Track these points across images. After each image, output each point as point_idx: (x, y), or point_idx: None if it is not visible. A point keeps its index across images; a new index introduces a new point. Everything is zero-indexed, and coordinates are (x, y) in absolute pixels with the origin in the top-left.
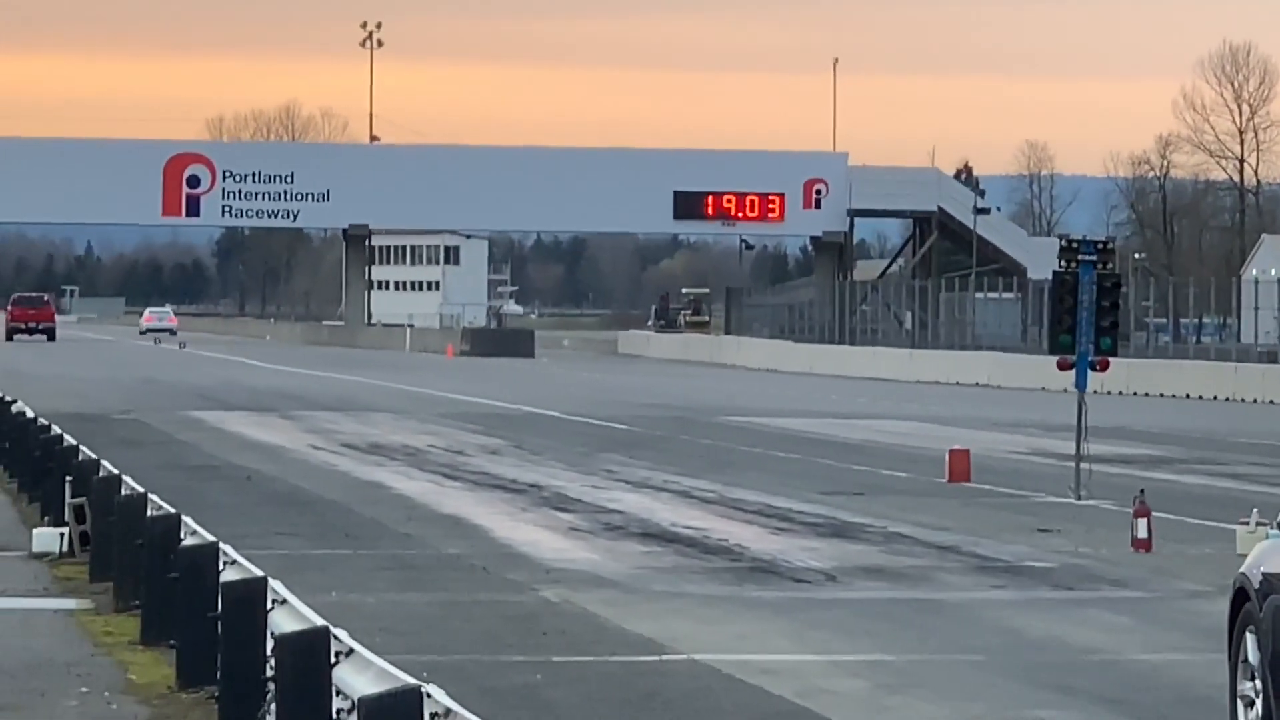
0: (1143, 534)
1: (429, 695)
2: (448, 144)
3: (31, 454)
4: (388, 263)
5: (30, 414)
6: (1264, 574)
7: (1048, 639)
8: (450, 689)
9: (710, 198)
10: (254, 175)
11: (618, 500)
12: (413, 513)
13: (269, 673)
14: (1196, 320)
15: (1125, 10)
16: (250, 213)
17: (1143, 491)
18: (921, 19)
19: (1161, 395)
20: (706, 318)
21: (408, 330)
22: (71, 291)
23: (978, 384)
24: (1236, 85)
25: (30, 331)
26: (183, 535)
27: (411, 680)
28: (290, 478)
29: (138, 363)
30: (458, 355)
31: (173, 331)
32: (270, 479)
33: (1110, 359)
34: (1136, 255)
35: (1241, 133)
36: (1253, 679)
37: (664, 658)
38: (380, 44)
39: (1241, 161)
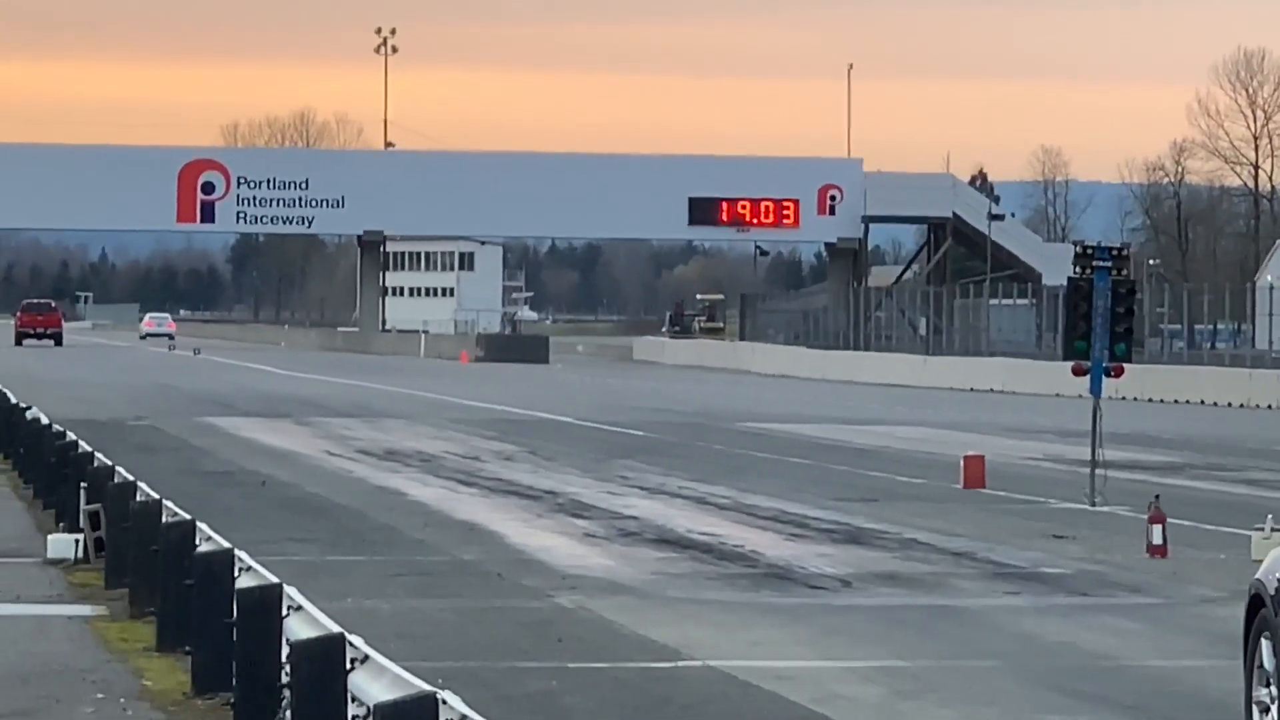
0: (1158, 540)
1: (444, 702)
2: (462, 150)
3: (46, 460)
4: (402, 269)
5: (45, 420)
6: (1279, 580)
7: (1062, 645)
8: (466, 695)
9: (725, 204)
10: (269, 182)
11: (633, 506)
12: (428, 519)
13: (284, 679)
14: (1211, 326)
15: (1140, 16)
16: (265, 219)
17: (1158, 497)
18: (936, 25)
19: (1176, 401)
20: (721, 324)
21: (422, 336)
22: (86, 298)
23: (992, 390)
24: (1251, 91)
25: (39, 336)
26: (198, 541)
27: (427, 687)
28: (305, 484)
29: (152, 368)
30: (472, 361)
31: (171, 336)
32: (285, 485)
33: (1125, 365)
34: (1151, 261)
35: (1256, 138)
36: (1268, 685)
37: (679, 664)
38: (395, 50)
39: (1256, 167)
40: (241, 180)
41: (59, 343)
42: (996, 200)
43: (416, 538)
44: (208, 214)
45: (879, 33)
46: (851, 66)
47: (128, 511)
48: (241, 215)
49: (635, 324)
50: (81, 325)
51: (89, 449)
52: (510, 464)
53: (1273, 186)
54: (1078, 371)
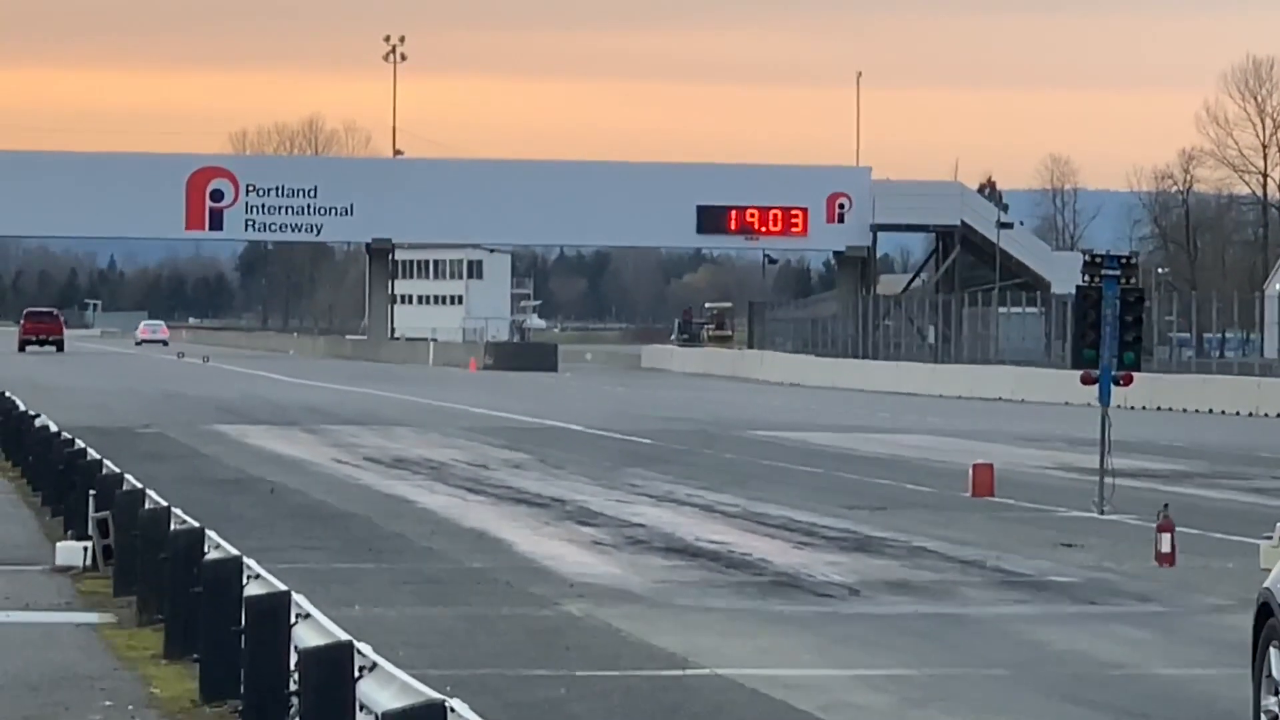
0: (1166, 548)
1: (453, 710)
2: (471, 158)
3: (55, 468)
4: (411, 277)
5: (53, 428)
6: None
7: (1071, 653)
8: (474, 703)
9: (733, 212)
10: (277, 189)
11: (641, 514)
12: (436, 526)
13: (292, 687)
14: (1220, 335)
15: (1148, 24)
16: (273, 227)
17: (1166, 506)
18: (945, 33)
19: (1185, 410)
20: (729, 332)
21: (431, 344)
22: (94, 305)
23: (1000, 398)
24: (1260, 99)
25: (41, 343)
26: (206, 549)
27: (435, 695)
28: (313, 492)
29: (160, 376)
30: (481, 369)
31: (165, 343)
32: (293, 493)
33: (1133, 374)
34: (1159, 270)
35: (1265, 147)
36: (1277, 694)
37: (688, 672)
38: (403, 58)
39: (1265, 176)
40: (250, 188)
41: (60, 349)
42: (1005, 208)
43: (424, 545)
44: (216, 222)
45: (887, 41)
46: (860, 74)
47: (136, 519)
48: (250, 223)
49: (644, 332)
50: (90, 333)
51: (97, 457)
52: (518, 472)
53: None
54: (1086, 380)
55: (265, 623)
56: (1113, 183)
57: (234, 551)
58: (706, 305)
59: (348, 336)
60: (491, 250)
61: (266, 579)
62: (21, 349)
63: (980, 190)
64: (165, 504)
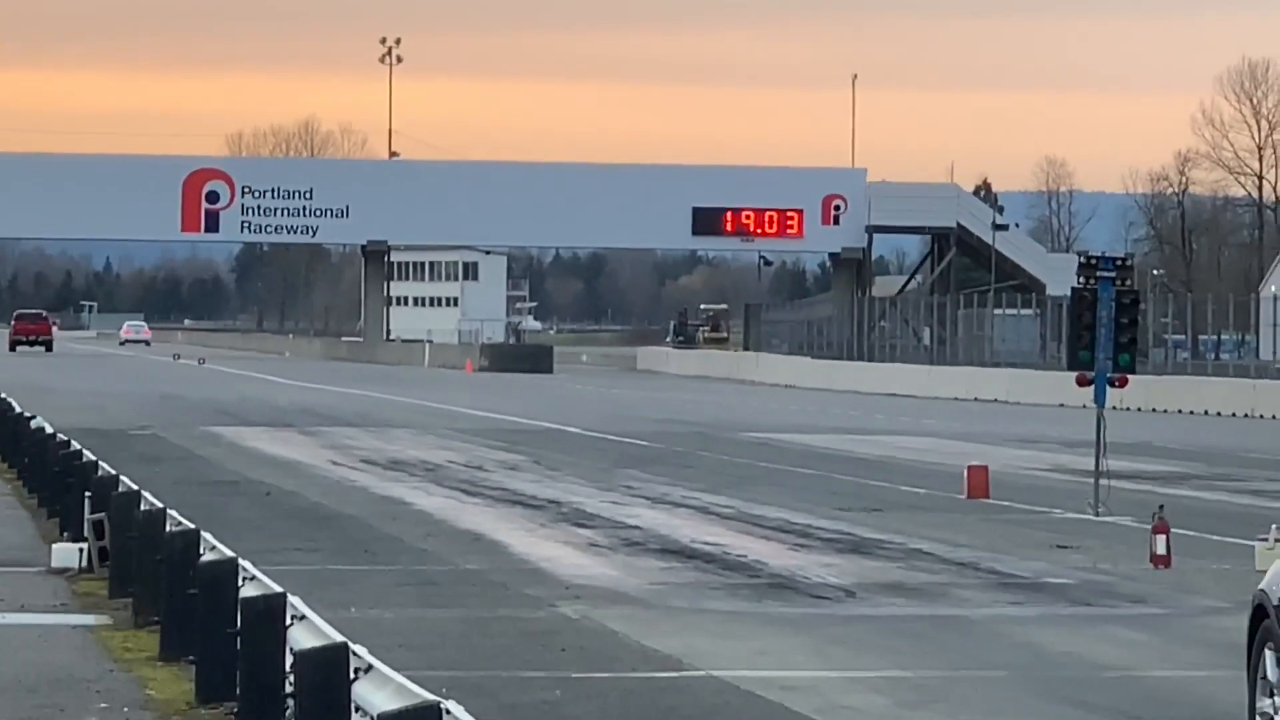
0: (1161, 550)
1: (448, 712)
2: (466, 160)
3: (51, 469)
4: (407, 278)
5: (49, 429)
6: None
7: (1066, 655)
8: (469, 705)
9: (729, 214)
10: (273, 191)
11: (637, 516)
12: (432, 528)
13: (288, 688)
14: (1215, 337)
15: (1144, 27)
16: (269, 229)
17: (1162, 507)
18: (941, 35)
19: (1180, 411)
20: (725, 334)
21: (426, 346)
22: (90, 307)
23: (996, 400)
24: (1255, 101)
25: (30, 343)
26: (202, 551)
27: (431, 696)
28: (309, 493)
29: (156, 378)
30: (476, 371)
31: (147, 343)
32: (289, 494)
33: (1129, 375)
34: (1155, 272)
35: (1260, 149)
36: (1272, 695)
37: (683, 674)
38: (399, 60)
39: (1260, 178)
40: (246, 190)
41: (49, 349)
42: (1000, 210)
43: (420, 547)
44: (212, 223)
45: (883, 43)
46: (856, 76)
47: (132, 521)
48: (246, 225)
49: (639, 334)
50: (86, 334)
51: (93, 458)
52: (514, 473)
53: (1277, 197)
54: (1081, 382)
55: (261, 624)
56: (1108, 185)
57: (230, 553)
58: (702, 307)
59: (343, 338)
60: (487, 252)
61: (262, 581)
62: (12, 349)
63: (976, 192)
64: (161, 506)
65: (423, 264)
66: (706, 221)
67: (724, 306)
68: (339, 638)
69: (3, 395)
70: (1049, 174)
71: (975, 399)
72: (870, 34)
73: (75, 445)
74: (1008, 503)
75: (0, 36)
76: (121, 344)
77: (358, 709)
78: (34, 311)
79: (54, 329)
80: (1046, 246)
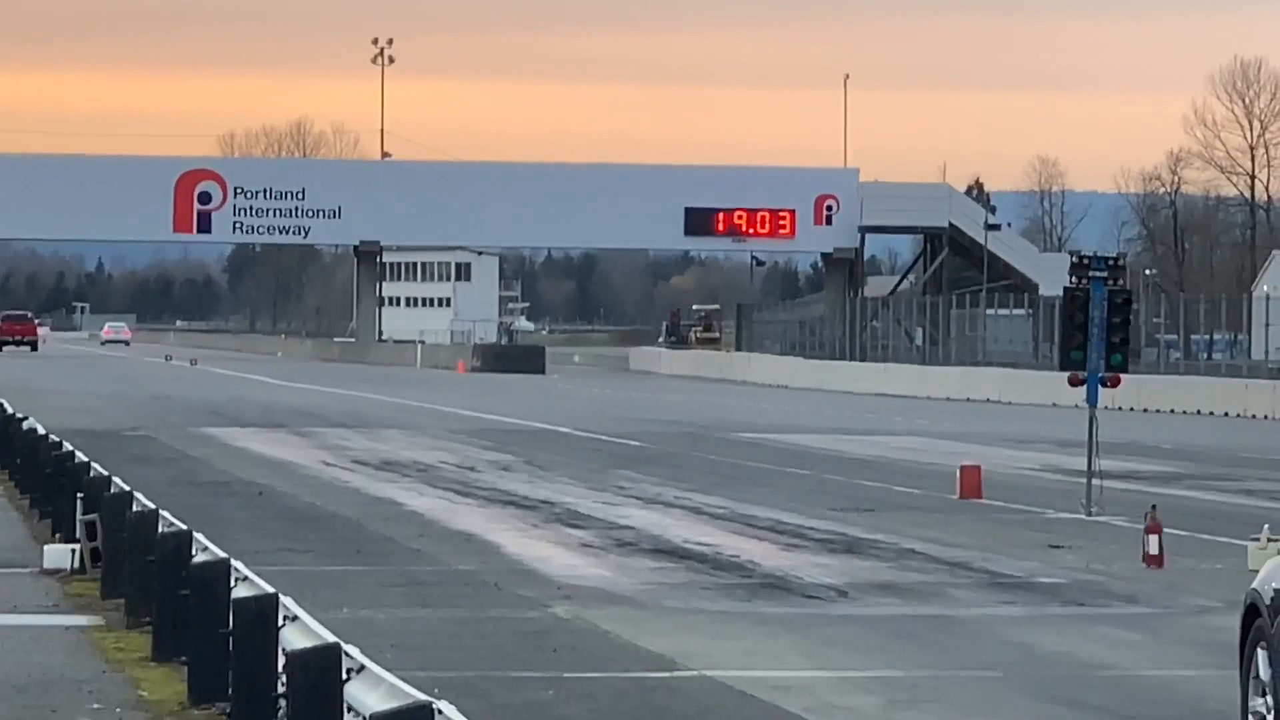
0: (1154, 550)
1: (440, 712)
2: (459, 160)
3: (43, 471)
4: (399, 279)
5: (41, 430)
6: (1275, 590)
7: (1059, 655)
8: (462, 706)
9: (721, 214)
10: (265, 192)
11: (629, 516)
12: (424, 529)
13: (280, 689)
14: (1207, 336)
15: (1136, 26)
16: (261, 229)
17: (1154, 507)
18: (932, 35)
19: (1172, 411)
20: (717, 334)
21: (419, 346)
22: (82, 308)
23: (989, 400)
24: (1247, 101)
25: (16, 343)
26: (194, 552)
27: (423, 697)
28: (301, 494)
29: (148, 379)
30: (469, 371)
31: (127, 342)
32: (281, 495)
33: (1121, 375)
34: (1147, 271)
35: (1252, 148)
36: (1264, 695)
37: (675, 674)
38: (391, 60)
39: (1253, 177)
40: (238, 190)
41: (34, 348)
42: (993, 210)
43: (413, 548)
44: (204, 224)
45: (875, 43)
46: (848, 76)
47: (124, 522)
48: (238, 225)
49: (632, 334)
50: (78, 335)
51: (85, 459)
52: (507, 474)
53: (1269, 196)
54: (1074, 381)
55: (253, 625)
56: (1100, 184)
57: (222, 554)
58: (694, 307)
59: (336, 339)
60: (479, 252)
61: (254, 581)
62: None
63: (968, 192)
64: (153, 506)
65: (415, 264)
66: (699, 222)
67: (716, 307)
68: (331, 638)
69: None
70: (1041, 174)
71: (968, 399)
72: (862, 34)
73: (67, 446)
74: (1000, 503)
75: None
76: (103, 344)
77: (350, 710)
78: (19, 312)
79: (39, 329)
80: (1039, 246)
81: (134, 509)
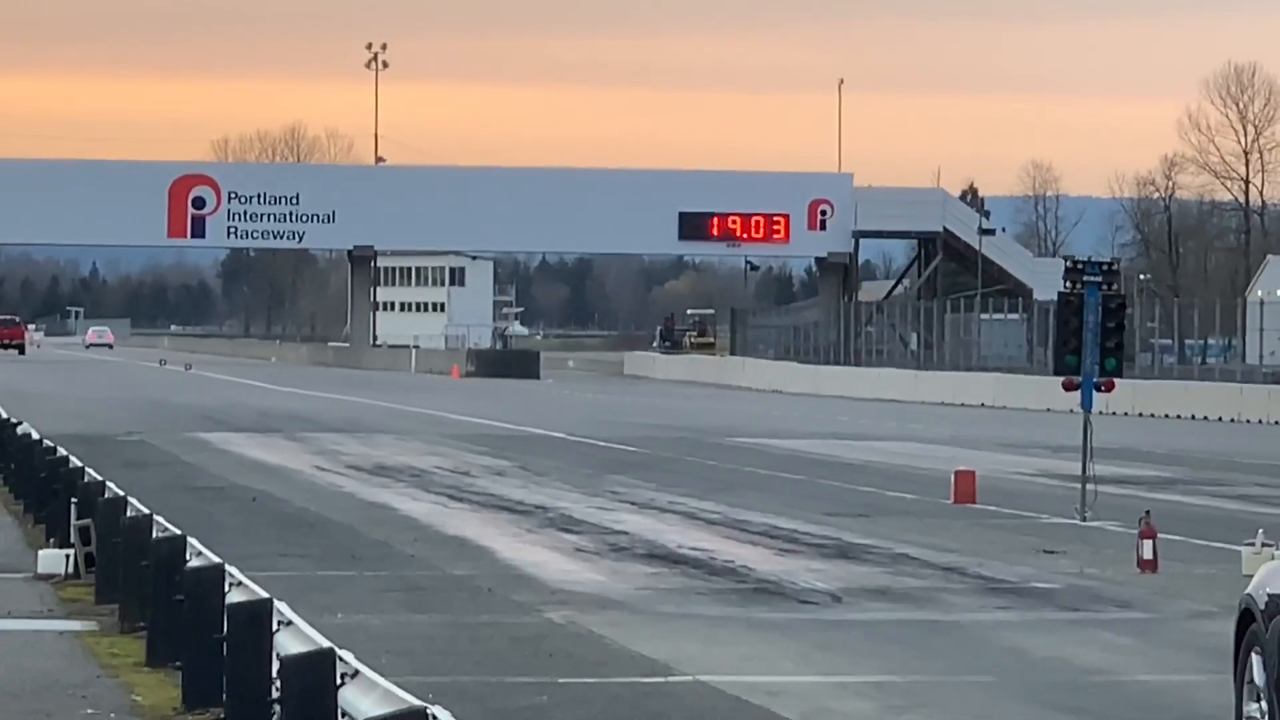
0: (1148, 555)
1: (434, 717)
2: (453, 165)
3: (37, 475)
4: (393, 284)
5: (35, 435)
6: (1269, 595)
7: (1053, 660)
8: (456, 710)
9: (715, 219)
10: (259, 196)
11: (623, 521)
12: (418, 534)
13: (275, 694)
14: (1202, 341)
15: (1130, 31)
16: (255, 234)
17: (1148, 512)
18: (927, 40)
19: (1167, 416)
20: (712, 339)
21: (413, 351)
22: (77, 313)
23: (983, 405)
24: (1241, 106)
25: (4, 347)
26: (188, 557)
27: (417, 702)
28: (296, 499)
29: (143, 384)
30: (463, 376)
31: (110, 346)
32: (276, 500)
33: (1115, 380)
34: (1141, 276)
35: (1246, 153)
36: (1258, 700)
37: (670, 679)
38: (385, 65)
39: (1247, 182)
40: (232, 195)
41: (21, 351)
42: (987, 215)
43: (407, 553)
44: (198, 229)
45: (870, 48)
46: (842, 81)
47: (118, 527)
48: (232, 230)
49: (626, 339)
50: (73, 340)
51: (79, 464)
52: (501, 479)
53: (1263, 201)
54: (1068, 386)
55: (247, 630)
56: (1095, 189)
57: (216, 559)
58: (689, 312)
59: (330, 344)
60: (474, 257)
61: (248, 586)
62: None
63: (962, 197)
64: (147, 511)
65: (409, 269)
66: (693, 226)
67: (711, 311)
68: (325, 643)
69: None
70: (1035, 178)
71: (962, 404)
72: (857, 39)
73: (61, 451)
74: (995, 508)
75: None
76: (86, 347)
77: (344, 715)
78: (7, 316)
79: (34, 334)
80: (1033, 251)
81: (128, 514)
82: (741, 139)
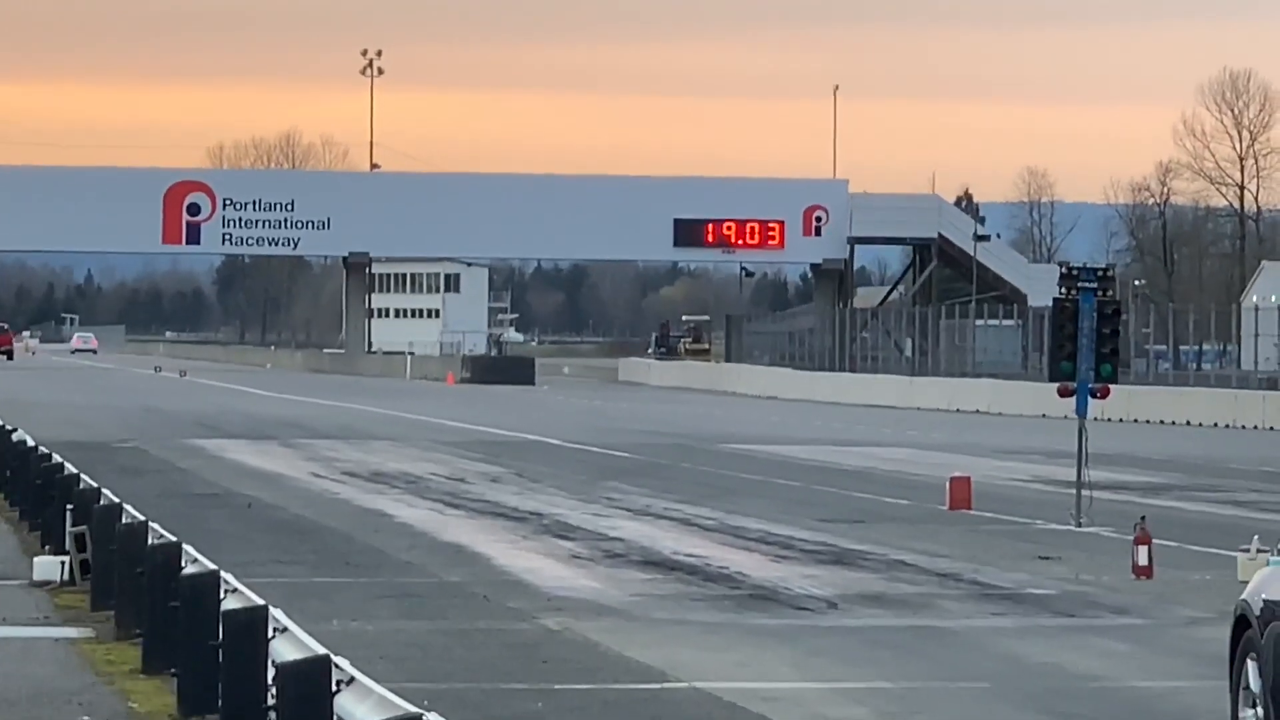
0: (1143, 561)
1: None
2: (448, 172)
3: (32, 482)
4: (388, 290)
5: (31, 442)
6: (1265, 601)
7: (1048, 666)
8: (451, 717)
9: (710, 225)
10: (254, 203)
11: (618, 528)
12: (414, 540)
13: (270, 701)
14: (1197, 347)
15: (1126, 37)
16: (250, 240)
17: (1144, 518)
18: (922, 46)
19: (1162, 422)
20: (707, 345)
21: (408, 358)
22: (71, 320)
23: (978, 411)
24: (1237, 112)
25: None
26: (184, 563)
27: (412, 709)
28: (291, 506)
29: (138, 391)
30: (458, 383)
31: (94, 351)
32: (271, 507)
33: (1111, 386)
34: (1137, 282)
35: (1242, 159)
36: (1254, 706)
37: (665, 686)
38: (380, 72)
39: (1242, 188)
40: (227, 202)
41: (10, 357)
42: (982, 221)
43: (402, 559)
44: (193, 235)
45: (865, 54)
46: (837, 88)
47: (114, 533)
48: (227, 237)
49: (621, 345)
50: (67, 347)
51: (75, 471)
52: (496, 485)
53: (1258, 207)
54: (1063, 392)
55: (243, 637)
56: (1090, 195)
57: (211, 566)
58: (684, 318)
59: (325, 350)
60: (469, 264)
61: (244, 593)
62: None
63: (957, 203)
64: (143, 518)
65: (404, 276)
66: (688, 233)
67: (705, 318)
68: (321, 650)
69: None
70: (1030, 185)
71: (957, 410)
72: (851, 45)
73: (57, 458)
74: (990, 514)
75: None
76: (71, 353)
77: None
78: None
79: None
80: (1028, 257)
81: (123, 521)
82: (737, 145)
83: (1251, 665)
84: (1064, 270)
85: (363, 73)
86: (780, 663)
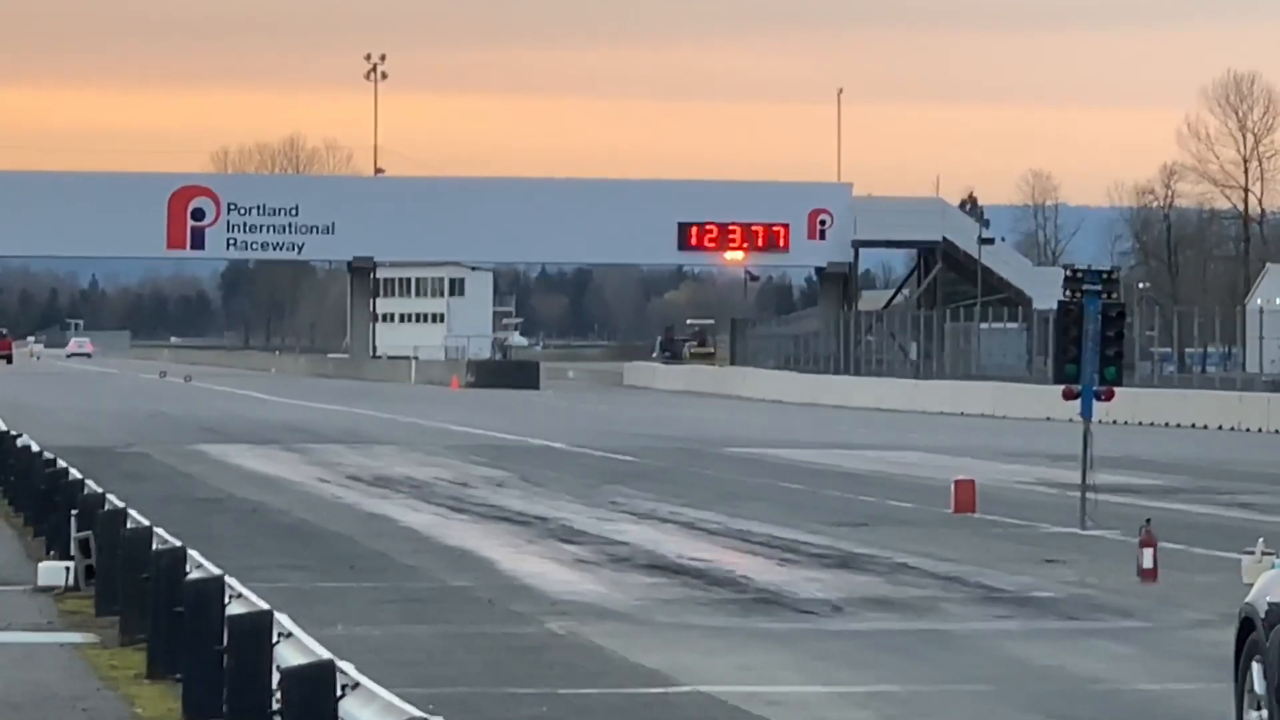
0: (1148, 564)
1: None
2: (452, 176)
3: (37, 488)
4: (392, 295)
5: (35, 447)
6: (1270, 603)
7: (1053, 669)
8: None
9: (714, 228)
10: (259, 208)
11: (623, 532)
12: (418, 545)
13: (275, 706)
14: (1201, 350)
15: (1129, 40)
16: (255, 245)
17: (1148, 521)
18: (926, 49)
19: (1166, 425)
20: (711, 349)
21: (413, 362)
22: (76, 325)
23: (983, 414)
24: (1241, 114)
25: None
26: (188, 568)
27: (418, 713)
28: (296, 510)
29: (142, 396)
30: (463, 387)
31: (89, 355)
32: (276, 512)
33: (1115, 388)
34: (1141, 285)
35: (1246, 162)
36: (1259, 709)
37: (670, 689)
38: (384, 76)
39: (1246, 191)
40: (231, 206)
41: (9, 361)
42: (986, 224)
43: (407, 564)
44: (198, 240)
45: (869, 57)
46: (841, 91)
47: (118, 539)
48: (231, 241)
49: (626, 349)
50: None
51: (79, 476)
52: (501, 490)
53: (1262, 210)
54: (1068, 395)
55: (248, 642)
56: (1094, 198)
57: (216, 571)
58: (688, 322)
59: (329, 355)
60: (473, 268)
61: (249, 598)
62: None
63: (961, 206)
64: (147, 524)
65: (409, 280)
66: (692, 236)
67: (710, 321)
68: (326, 655)
69: None
70: (1035, 188)
71: (962, 413)
72: (856, 48)
73: (62, 463)
74: (994, 517)
75: None
76: (67, 356)
77: None
78: None
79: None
80: (1032, 260)
81: (128, 526)
82: (740, 149)
83: (1256, 668)
84: (1068, 273)
85: (366, 77)
86: (785, 666)
